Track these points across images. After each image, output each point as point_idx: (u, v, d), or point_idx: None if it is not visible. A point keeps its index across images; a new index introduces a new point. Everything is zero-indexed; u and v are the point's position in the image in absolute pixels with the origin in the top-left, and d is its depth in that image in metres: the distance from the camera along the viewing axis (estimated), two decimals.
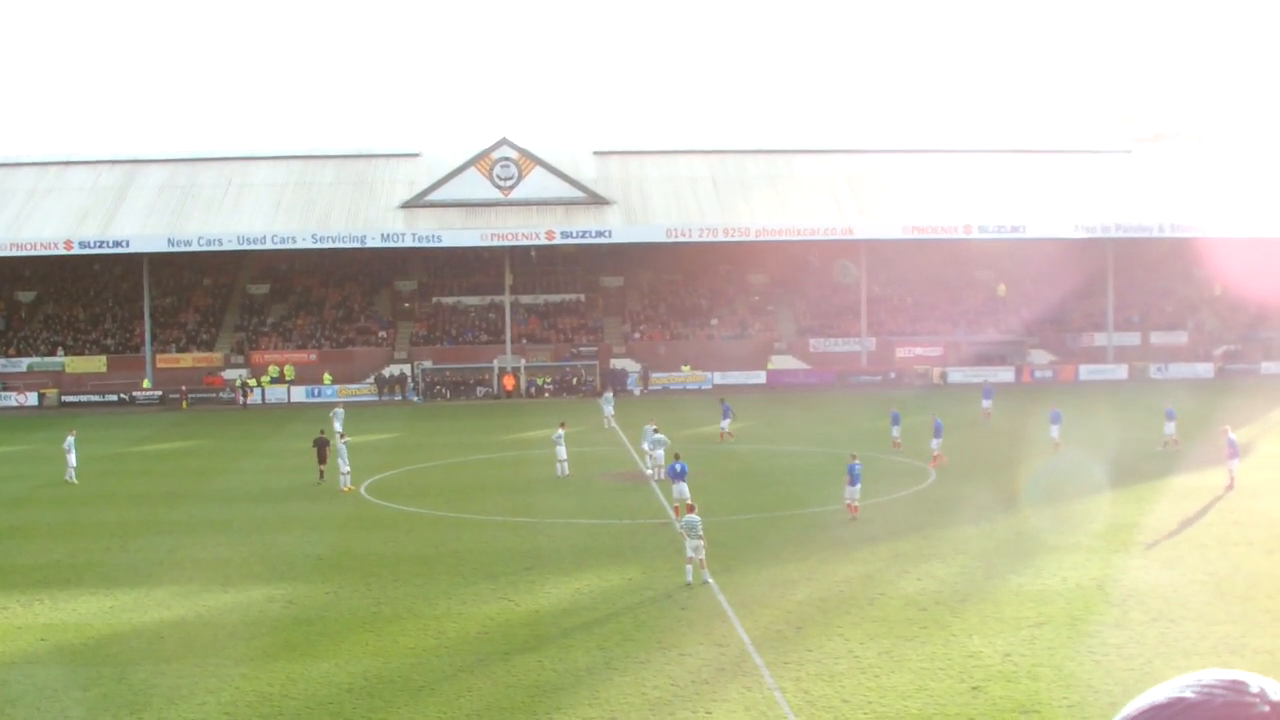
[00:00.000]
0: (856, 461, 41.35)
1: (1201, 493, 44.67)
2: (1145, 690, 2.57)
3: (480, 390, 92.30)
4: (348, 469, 49.91)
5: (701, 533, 32.25)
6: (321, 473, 51.84)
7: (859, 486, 40.61)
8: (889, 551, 36.18)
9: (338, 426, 64.59)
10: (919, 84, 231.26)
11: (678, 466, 42.21)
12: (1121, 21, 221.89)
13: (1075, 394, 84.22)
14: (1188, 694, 2.47)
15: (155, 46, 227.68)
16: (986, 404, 69.97)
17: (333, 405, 73.39)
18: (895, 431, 58.27)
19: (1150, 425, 59.11)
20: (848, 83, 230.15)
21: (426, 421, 76.90)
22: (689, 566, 32.46)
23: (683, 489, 40.97)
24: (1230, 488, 44.92)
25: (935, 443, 52.10)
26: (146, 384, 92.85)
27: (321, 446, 52.87)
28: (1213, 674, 2.50)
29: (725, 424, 62.51)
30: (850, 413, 72.44)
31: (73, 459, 53.66)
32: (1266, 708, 2.40)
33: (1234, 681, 2.47)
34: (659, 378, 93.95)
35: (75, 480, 53.02)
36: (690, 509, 33.64)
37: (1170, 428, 56.64)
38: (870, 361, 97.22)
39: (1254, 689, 2.45)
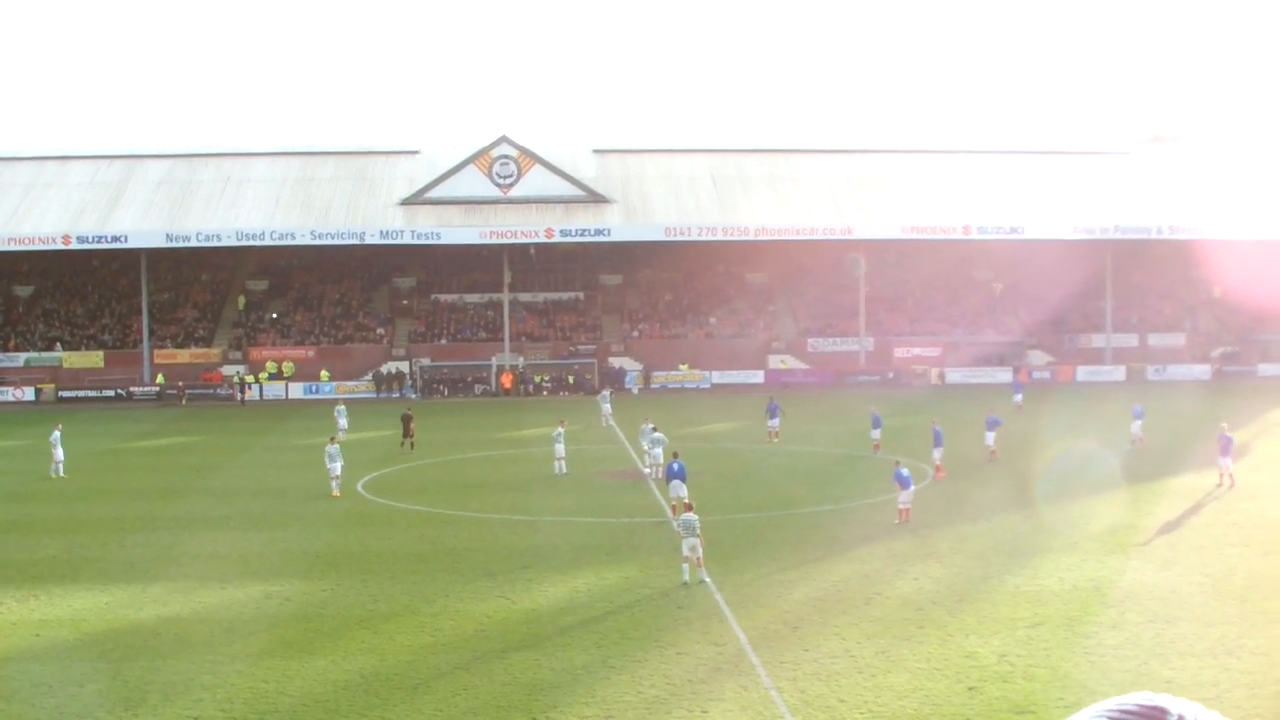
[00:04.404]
0: (903, 467, 40.53)
1: (1198, 494, 44.71)
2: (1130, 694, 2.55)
3: (478, 388, 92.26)
4: (339, 474, 47.76)
5: (699, 531, 32.24)
6: (406, 444, 59.72)
7: (911, 490, 39.88)
8: (886, 551, 36.17)
9: (342, 424, 64.31)
10: (919, 85, 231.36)
11: (675, 465, 42.08)
12: (1121, 22, 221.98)
13: (1072, 395, 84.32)
14: None
15: (155, 42, 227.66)
16: (1018, 398, 70.26)
17: (334, 402, 72.98)
18: (875, 434, 57.41)
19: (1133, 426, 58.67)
20: (847, 83, 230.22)
21: (424, 419, 76.45)
22: (685, 565, 32.44)
23: (679, 487, 40.89)
24: (1223, 485, 45.06)
25: (937, 452, 49.98)
26: (160, 380, 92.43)
27: (406, 421, 60.67)
28: (1136, 699, 2.47)
29: (774, 423, 61.49)
30: (847, 413, 72.36)
31: (59, 453, 53.50)
32: None
33: (1154, 708, 2.43)
34: (656, 376, 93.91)
35: (63, 474, 52.94)
36: (688, 507, 33.58)
37: (1136, 426, 56.56)
38: (869, 361, 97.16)
39: (1173, 715, 2.41)
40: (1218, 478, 45.90)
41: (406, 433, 60.40)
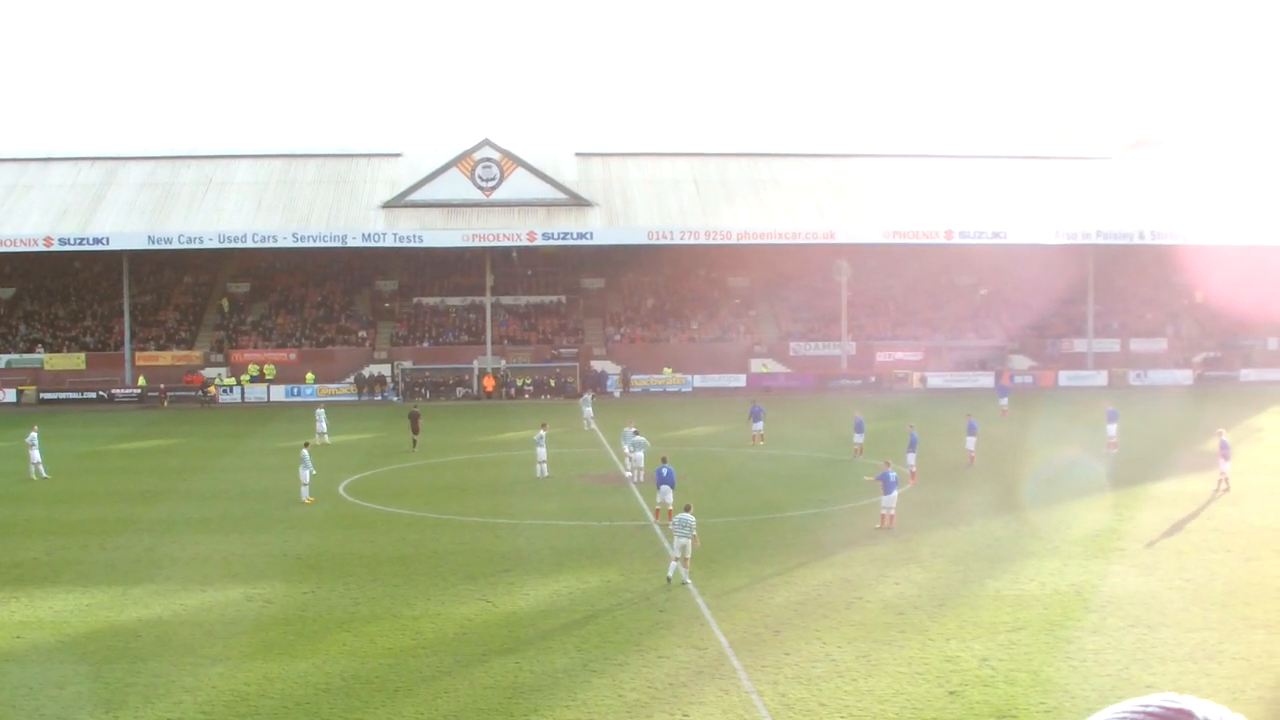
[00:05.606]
0: (890, 470, 40.42)
1: (1180, 499, 44.82)
2: (1116, 701, 2.54)
3: (460, 391, 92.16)
4: (308, 480, 46.78)
5: (694, 532, 32.32)
6: (414, 442, 60.89)
7: (896, 495, 39.95)
8: (867, 555, 36.20)
9: (321, 427, 64.15)
10: (901, 89, 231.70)
11: (664, 470, 41.70)
12: (1104, 27, 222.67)
13: (1054, 399, 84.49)
14: None
15: (138, 44, 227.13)
16: (1003, 402, 70.76)
17: (314, 405, 72.85)
18: (858, 439, 57.44)
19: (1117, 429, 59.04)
20: (830, 87, 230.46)
21: (405, 422, 76.65)
22: (674, 563, 32.46)
23: (667, 493, 40.72)
24: (1222, 490, 45.29)
25: (910, 457, 49.93)
26: (142, 382, 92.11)
27: (414, 419, 62.39)
28: (1159, 700, 2.46)
29: (758, 427, 61.75)
30: (829, 417, 72.43)
31: (36, 455, 53.36)
32: None
33: (1178, 710, 2.43)
34: (639, 379, 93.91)
35: (44, 475, 52.83)
36: (686, 508, 33.34)
37: (1112, 430, 56.94)
38: (850, 365, 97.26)
39: (1198, 718, 2.41)
40: (1216, 483, 46.10)
41: (414, 429, 61.81)
